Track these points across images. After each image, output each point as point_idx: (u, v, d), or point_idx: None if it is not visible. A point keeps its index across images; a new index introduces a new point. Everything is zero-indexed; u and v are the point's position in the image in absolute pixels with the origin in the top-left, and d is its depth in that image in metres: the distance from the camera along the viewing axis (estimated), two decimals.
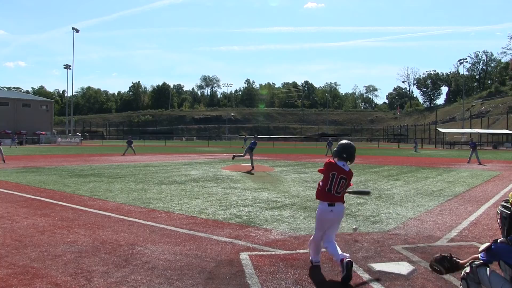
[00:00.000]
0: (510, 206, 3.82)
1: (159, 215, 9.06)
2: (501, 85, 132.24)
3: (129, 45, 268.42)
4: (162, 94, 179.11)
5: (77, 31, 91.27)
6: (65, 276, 5.08)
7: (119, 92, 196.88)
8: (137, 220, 8.53)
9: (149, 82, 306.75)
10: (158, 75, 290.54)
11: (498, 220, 4.00)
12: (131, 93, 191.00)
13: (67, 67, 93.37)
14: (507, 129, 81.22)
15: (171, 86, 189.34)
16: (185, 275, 5.20)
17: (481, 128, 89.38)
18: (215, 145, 72.38)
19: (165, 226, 7.97)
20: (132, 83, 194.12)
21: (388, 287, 4.95)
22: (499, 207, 3.98)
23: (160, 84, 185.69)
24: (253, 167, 22.08)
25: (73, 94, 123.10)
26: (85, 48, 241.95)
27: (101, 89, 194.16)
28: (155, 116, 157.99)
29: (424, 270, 5.63)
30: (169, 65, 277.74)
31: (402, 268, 5.67)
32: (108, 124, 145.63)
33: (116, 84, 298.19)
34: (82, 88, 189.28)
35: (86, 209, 9.74)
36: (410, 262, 5.97)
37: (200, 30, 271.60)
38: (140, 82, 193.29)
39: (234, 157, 24.45)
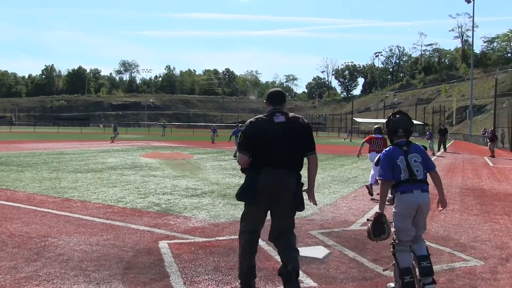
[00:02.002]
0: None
1: (74, 205, 8.77)
2: (412, 78, 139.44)
3: (41, 24, 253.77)
4: (78, 78, 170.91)
5: None
6: None
7: (30, 75, 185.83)
8: (50, 210, 8.19)
9: (64, 66, 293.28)
10: (74, 59, 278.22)
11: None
12: (43, 76, 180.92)
13: None
14: (415, 119, 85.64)
15: (88, 71, 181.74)
16: (102, 266, 5.09)
17: None
18: (133, 132, 70.74)
19: (80, 216, 7.72)
20: (45, 66, 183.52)
21: (304, 271, 5.09)
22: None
23: (76, 68, 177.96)
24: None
25: None
26: None
27: (8, 71, 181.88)
28: (70, 102, 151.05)
29: (338, 253, 5.87)
30: (85, 48, 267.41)
31: (318, 252, 5.88)
32: (17, 109, 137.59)
33: (25, 66, 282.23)
34: None
35: None
36: (326, 246, 6.20)
37: (120, 13, 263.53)
38: (54, 65, 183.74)
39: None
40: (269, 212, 4.45)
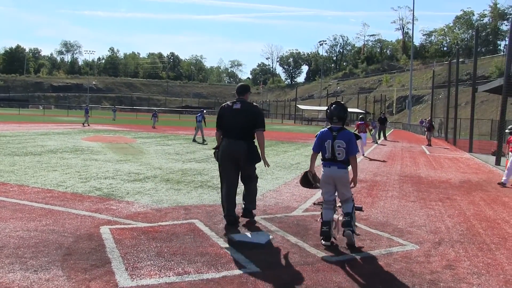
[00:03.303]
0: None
1: (11, 189, 8.45)
2: (354, 67, 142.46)
3: None
4: (16, 58, 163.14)
5: None
6: None
7: None
8: None
9: (0, 44, 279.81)
10: (11, 37, 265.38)
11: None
12: None
13: None
14: (357, 108, 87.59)
15: (27, 50, 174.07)
16: (40, 253, 4.94)
17: None
18: (75, 115, 68.66)
19: (17, 201, 7.45)
20: None
21: (247, 256, 5.15)
22: None
23: (14, 46, 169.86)
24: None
25: None
26: None
27: None
28: (8, 82, 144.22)
29: (281, 238, 5.96)
30: (24, 26, 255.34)
31: (261, 237, 5.95)
32: None
33: None
34: None
35: None
36: (268, 231, 6.28)
37: None
38: None
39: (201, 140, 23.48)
40: None
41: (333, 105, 5.98)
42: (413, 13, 79.45)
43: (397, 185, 11.29)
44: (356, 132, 15.40)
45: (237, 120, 6.46)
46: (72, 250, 5.07)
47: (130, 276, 4.39)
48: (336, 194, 5.97)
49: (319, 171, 5.95)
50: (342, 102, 6.14)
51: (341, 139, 5.73)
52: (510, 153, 12.26)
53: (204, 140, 23.12)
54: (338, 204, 6.03)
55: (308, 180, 6.19)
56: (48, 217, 6.50)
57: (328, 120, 5.98)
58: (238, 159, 6.49)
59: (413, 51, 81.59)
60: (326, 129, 5.92)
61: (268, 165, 6.85)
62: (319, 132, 5.98)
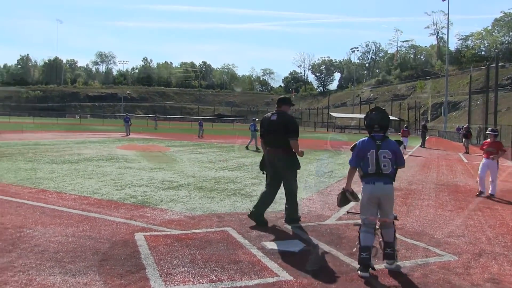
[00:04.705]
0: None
1: (50, 196, 8.66)
2: (388, 74, 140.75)
3: (14, 13, 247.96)
4: (54, 69, 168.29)
5: None
6: None
7: (5, 65, 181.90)
8: (25, 201, 8.07)
9: (40, 56, 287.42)
10: (50, 49, 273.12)
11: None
12: (19, 66, 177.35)
13: None
14: (391, 115, 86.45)
15: (64, 61, 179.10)
16: (78, 257, 5.05)
17: None
18: (110, 124, 69.93)
19: (56, 207, 7.64)
20: (21, 55, 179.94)
21: (280, 264, 5.14)
22: None
23: (52, 58, 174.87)
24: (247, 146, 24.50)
25: None
26: None
27: None
28: (46, 92, 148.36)
29: (314, 247, 5.92)
30: (61, 38, 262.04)
31: (294, 246, 5.93)
32: None
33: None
34: None
35: None
36: (301, 239, 6.26)
37: (96, 3, 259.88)
38: (29, 55, 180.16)
39: (247, 147, 24.45)
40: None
41: (373, 112, 5.32)
42: (448, 17, 78.37)
43: (433, 194, 11.09)
44: (400, 137, 17.52)
45: (274, 130, 7.08)
46: (108, 255, 5.16)
47: (164, 283, 4.44)
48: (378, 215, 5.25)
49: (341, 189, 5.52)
50: (383, 108, 5.49)
51: (386, 149, 5.07)
52: (484, 159, 11.37)
53: (257, 148, 23.38)
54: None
55: (347, 200, 5.45)
56: (85, 223, 6.64)
57: (367, 129, 5.28)
58: (277, 165, 7.06)
59: (448, 56, 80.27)
60: (367, 138, 5.22)
61: (302, 155, 7.16)
62: (358, 142, 5.25)
